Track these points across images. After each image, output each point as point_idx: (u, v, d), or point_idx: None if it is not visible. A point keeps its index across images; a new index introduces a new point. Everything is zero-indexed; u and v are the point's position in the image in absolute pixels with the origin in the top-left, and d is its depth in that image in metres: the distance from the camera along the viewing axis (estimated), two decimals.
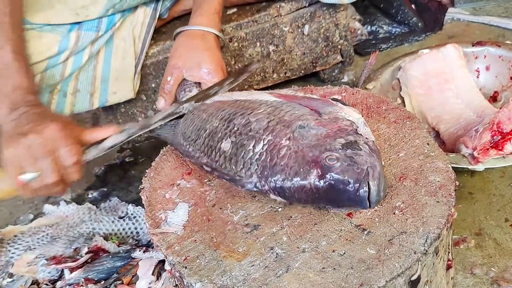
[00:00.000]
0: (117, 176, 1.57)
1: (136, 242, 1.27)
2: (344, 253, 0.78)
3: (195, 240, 0.86)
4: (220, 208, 0.91)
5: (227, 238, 0.85)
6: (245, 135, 0.89)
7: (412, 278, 0.77)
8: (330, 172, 0.78)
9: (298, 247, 0.80)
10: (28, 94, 1.07)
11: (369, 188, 0.77)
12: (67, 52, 1.29)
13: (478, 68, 1.42)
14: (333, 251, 0.78)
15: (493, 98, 1.39)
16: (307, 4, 1.51)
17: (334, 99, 0.95)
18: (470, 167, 1.08)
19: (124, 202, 1.42)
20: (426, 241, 0.77)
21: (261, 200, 0.90)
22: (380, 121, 1.01)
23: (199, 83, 1.17)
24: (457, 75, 1.33)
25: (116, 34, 1.39)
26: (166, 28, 1.55)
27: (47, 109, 1.13)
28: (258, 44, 1.53)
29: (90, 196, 1.51)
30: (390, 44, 1.84)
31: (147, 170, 1.03)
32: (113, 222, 1.34)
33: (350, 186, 0.77)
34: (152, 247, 1.19)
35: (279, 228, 0.84)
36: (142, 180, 1.01)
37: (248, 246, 0.82)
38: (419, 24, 1.87)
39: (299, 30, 1.54)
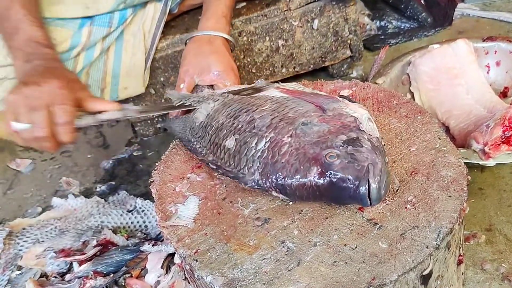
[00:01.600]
0: (125, 170, 1.57)
1: (145, 235, 1.27)
2: (356, 247, 0.77)
3: (206, 233, 0.85)
4: (231, 202, 0.91)
5: (238, 231, 0.84)
6: (248, 132, 0.89)
7: (424, 273, 0.77)
8: (330, 170, 0.77)
9: (309, 241, 0.80)
10: (42, 47, 1.06)
11: (369, 186, 0.75)
12: (79, 47, 1.29)
13: (488, 63, 1.41)
14: (345, 245, 0.78)
15: (504, 94, 1.38)
16: None
17: (341, 96, 0.94)
18: (481, 162, 1.08)
19: (132, 196, 1.42)
20: (438, 235, 0.76)
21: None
22: (391, 116, 1.00)
23: (212, 86, 1.17)
24: (468, 71, 1.32)
25: (126, 29, 1.40)
26: (175, 22, 1.55)
27: (63, 66, 1.11)
28: (267, 38, 1.52)
29: (98, 189, 1.52)
30: (399, 40, 1.83)
31: (156, 164, 1.03)
32: (121, 215, 1.34)
33: (350, 183, 0.76)
34: (161, 241, 1.19)
35: (290, 222, 0.84)
36: (152, 173, 1.00)
37: (259, 240, 0.82)
38: (429, 19, 1.86)
39: (309, 24, 1.53)
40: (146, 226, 1.32)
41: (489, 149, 1.05)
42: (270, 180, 0.84)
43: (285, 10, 1.50)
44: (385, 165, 0.78)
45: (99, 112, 1.01)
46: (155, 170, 1.02)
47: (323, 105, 0.89)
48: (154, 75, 1.52)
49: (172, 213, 0.91)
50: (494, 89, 1.35)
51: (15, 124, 0.95)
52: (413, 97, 1.40)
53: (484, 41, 1.41)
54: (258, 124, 0.88)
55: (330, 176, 0.77)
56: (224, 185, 0.94)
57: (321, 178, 0.78)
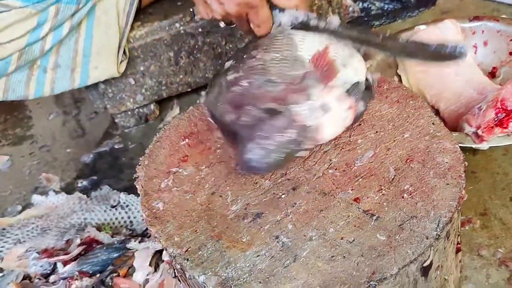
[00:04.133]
0: (107, 164, 1.52)
1: (130, 232, 1.23)
2: (354, 240, 0.75)
3: (196, 230, 0.82)
4: (220, 196, 0.87)
5: (230, 227, 0.81)
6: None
7: (425, 264, 0.74)
8: None
9: (304, 235, 0.77)
10: None
11: None
12: (46, 25, 1.24)
13: (475, 43, 1.38)
14: (342, 239, 0.75)
15: (492, 74, 1.36)
16: None
17: None
18: (474, 146, 1.06)
19: (115, 191, 1.38)
20: (438, 225, 0.74)
21: (263, 187, 0.86)
22: (382, 101, 0.97)
23: None
24: None
25: (98, 6, 1.34)
26: (153, 8, 1.49)
27: None
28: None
29: (80, 185, 1.46)
30: (383, 21, 1.80)
31: (140, 158, 0.99)
32: (105, 211, 1.30)
33: None
34: (148, 237, 1.15)
35: (284, 216, 0.81)
36: (136, 169, 0.96)
37: (252, 236, 0.79)
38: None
39: None
40: (131, 221, 1.28)
41: (482, 132, 1.03)
42: None
43: None
44: None
45: None
46: (140, 165, 0.97)
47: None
48: (133, 65, 1.46)
49: (159, 210, 0.87)
50: (482, 70, 1.32)
51: None
52: (400, 80, 1.37)
53: (470, 21, 1.38)
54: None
55: None
56: (213, 178, 0.91)
57: None
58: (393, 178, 0.82)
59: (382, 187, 0.81)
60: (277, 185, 0.86)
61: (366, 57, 1.31)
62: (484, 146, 1.05)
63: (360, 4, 1.85)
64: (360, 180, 0.83)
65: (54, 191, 1.43)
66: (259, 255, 0.75)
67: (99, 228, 1.22)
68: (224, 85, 0.89)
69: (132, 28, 1.42)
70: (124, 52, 1.42)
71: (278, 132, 0.82)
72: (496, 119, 1.03)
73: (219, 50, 1.50)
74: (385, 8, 1.85)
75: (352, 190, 0.82)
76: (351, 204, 0.80)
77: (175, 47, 1.48)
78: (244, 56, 0.90)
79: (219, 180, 0.90)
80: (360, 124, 0.93)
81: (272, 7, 0.92)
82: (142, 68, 1.48)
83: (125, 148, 1.57)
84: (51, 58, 1.31)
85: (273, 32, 0.93)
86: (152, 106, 1.60)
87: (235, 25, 0.96)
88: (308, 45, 0.88)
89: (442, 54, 0.84)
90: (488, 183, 1.14)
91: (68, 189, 1.45)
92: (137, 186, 0.94)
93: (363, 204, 0.79)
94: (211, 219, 0.83)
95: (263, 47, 0.89)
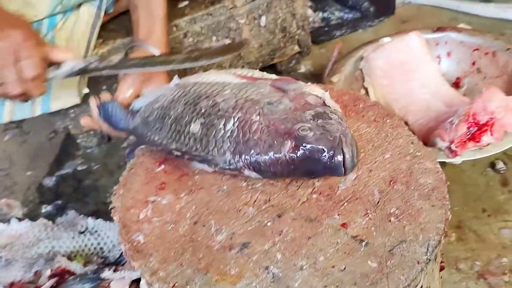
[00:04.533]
0: (71, 187, 1.47)
1: (103, 259, 1.19)
2: (345, 268, 0.74)
3: (181, 264, 0.79)
4: (203, 226, 0.84)
5: (216, 259, 0.79)
6: (214, 115, 0.88)
7: None
8: (304, 142, 0.79)
9: (295, 265, 0.76)
10: None
11: (343, 155, 0.77)
12: None
13: (439, 54, 1.41)
14: (333, 267, 0.74)
15: (456, 85, 1.39)
16: None
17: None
18: (447, 160, 1.07)
19: (82, 215, 1.33)
20: (427, 249, 0.74)
21: (247, 215, 0.84)
22: (360, 120, 0.97)
23: None
24: (421, 64, 1.32)
25: (58, 35, 1.29)
26: (114, 24, 1.45)
27: (7, 12, 1.02)
28: (214, 38, 1.46)
29: (44, 210, 1.41)
30: (344, 31, 1.82)
31: (115, 187, 0.95)
32: (73, 238, 1.25)
33: (325, 154, 0.77)
34: (122, 265, 1.12)
35: (271, 245, 0.79)
36: (111, 199, 0.92)
37: (240, 267, 0.77)
38: (371, 8, 1.85)
39: (256, 21, 1.48)
40: (101, 248, 1.23)
41: (456, 147, 1.05)
42: (243, 158, 0.84)
43: (231, 8, 1.44)
44: (353, 136, 0.80)
45: (60, 64, 0.97)
46: (114, 194, 0.94)
47: (283, 87, 0.89)
48: (95, 84, 1.42)
49: (140, 243, 0.84)
50: (447, 80, 1.35)
51: None
52: (367, 92, 1.39)
53: (434, 32, 1.40)
54: (223, 107, 0.87)
55: (305, 148, 0.79)
56: (194, 206, 0.88)
57: (296, 151, 0.80)
58: (378, 201, 0.82)
59: (368, 211, 0.81)
60: (261, 212, 0.84)
61: (332, 71, 1.32)
62: (457, 160, 1.07)
63: (320, 14, 1.86)
64: (345, 204, 0.83)
65: (16, 218, 1.36)
66: None
67: (69, 257, 1.17)
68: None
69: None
70: None
71: (341, 124, 0.81)
72: (468, 133, 1.05)
73: None
74: (345, 18, 1.87)
75: (338, 215, 0.81)
76: (339, 230, 0.79)
77: None
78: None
79: (201, 208, 0.87)
80: None
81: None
82: (104, 87, 1.44)
83: (89, 170, 1.51)
84: None
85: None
86: None
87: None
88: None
89: (224, 48, 0.97)
90: (459, 195, 1.16)
91: (32, 216, 1.38)
92: (113, 217, 0.90)
93: (350, 230, 0.79)
94: (196, 250, 0.81)
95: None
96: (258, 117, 0.84)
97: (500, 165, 1.21)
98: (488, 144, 1.05)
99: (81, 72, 0.99)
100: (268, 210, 0.84)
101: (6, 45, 0.89)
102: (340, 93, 1.04)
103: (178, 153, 0.91)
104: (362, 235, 0.78)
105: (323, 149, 0.77)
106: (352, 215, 0.81)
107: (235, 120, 0.85)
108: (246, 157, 0.83)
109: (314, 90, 0.89)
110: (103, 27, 1.43)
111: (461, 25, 1.53)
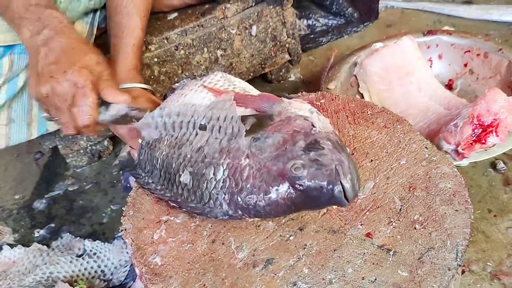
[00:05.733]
0: (64, 209, 1.41)
1: (106, 283, 1.15)
2: (376, 279, 0.72)
3: (204, 285, 0.77)
4: (223, 244, 0.82)
5: (241, 277, 0.76)
6: (201, 163, 0.82)
7: None
8: (299, 182, 0.74)
9: (323, 279, 0.74)
10: (44, 8, 0.99)
11: (343, 186, 0.73)
12: (1, 79, 1.13)
13: (430, 57, 1.42)
14: (363, 279, 0.73)
15: (449, 87, 1.40)
16: (253, 3, 1.43)
17: (278, 95, 0.88)
18: (454, 163, 1.07)
19: (78, 238, 1.29)
20: (457, 255, 0.73)
21: (267, 230, 0.82)
22: (370, 127, 0.96)
23: None
24: (416, 68, 1.32)
25: None
26: (101, 39, 1.41)
27: (75, 35, 1.03)
28: (205, 49, 1.43)
29: (37, 235, 1.35)
30: (329, 37, 1.81)
31: (123, 208, 0.92)
32: (71, 262, 1.20)
33: (324, 189, 0.73)
34: None
35: (296, 260, 0.77)
36: (122, 221, 0.89)
37: (267, 285, 0.75)
38: (355, 14, 1.85)
39: (247, 31, 1.46)
40: (102, 271, 1.19)
41: (462, 150, 1.05)
42: (240, 208, 0.79)
43: (222, 18, 1.41)
44: (350, 158, 0.76)
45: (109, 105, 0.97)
46: (124, 216, 0.90)
47: (267, 110, 0.84)
48: None
49: (157, 265, 0.81)
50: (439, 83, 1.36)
51: (45, 114, 1.00)
52: (362, 98, 1.38)
53: (425, 35, 1.41)
54: (209, 152, 0.82)
55: (301, 188, 0.75)
56: (210, 224, 0.85)
57: (293, 192, 0.76)
58: (400, 208, 0.81)
59: (392, 219, 0.80)
60: (281, 226, 0.82)
61: (328, 78, 1.31)
62: (464, 163, 1.07)
63: (305, 21, 1.85)
64: (367, 213, 0.82)
65: (8, 244, 1.31)
66: None
67: (70, 283, 1.12)
68: None
69: None
70: None
71: (334, 151, 0.76)
72: (474, 135, 1.05)
73: (176, 79, 1.44)
74: (330, 24, 1.86)
75: (361, 225, 0.80)
76: (364, 240, 0.78)
77: None
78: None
79: (217, 225, 0.85)
80: (353, 153, 0.91)
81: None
82: None
83: (80, 190, 1.46)
84: (3, 114, 1.21)
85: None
86: (105, 142, 1.52)
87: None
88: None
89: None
90: None
91: (24, 241, 1.33)
92: (125, 240, 0.87)
93: (376, 239, 0.78)
94: (218, 270, 0.78)
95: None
96: (247, 159, 0.78)
97: (500, 165, 1.21)
98: (494, 145, 1.05)
99: (122, 118, 0.98)
100: (288, 224, 0.82)
101: (63, 88, 0.92)
102: (346, 100, 1.03)
103: (175, 204, 0.87)
104: (389, 244, 0.76)
105: (321, 186, 0.73)
106: (375, 224, 0.80)
107: (225, 168, 0.80)
108: (244, 206, 0.78)
109: (301, 108, 0.83)
110: (93, 43, 1.39)
111: (445, 28, 1.54)
